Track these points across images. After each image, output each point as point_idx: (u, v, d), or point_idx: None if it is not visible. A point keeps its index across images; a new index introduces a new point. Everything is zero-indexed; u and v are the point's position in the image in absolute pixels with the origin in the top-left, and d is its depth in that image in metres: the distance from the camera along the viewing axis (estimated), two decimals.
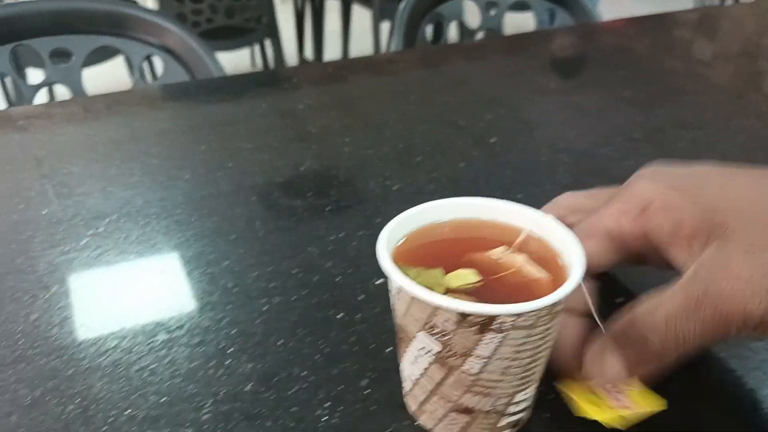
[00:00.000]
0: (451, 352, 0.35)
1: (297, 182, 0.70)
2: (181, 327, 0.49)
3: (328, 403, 0.43)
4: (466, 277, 0.37)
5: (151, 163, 0.74)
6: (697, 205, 0.37)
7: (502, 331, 0.33)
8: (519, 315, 0.33)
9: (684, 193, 0.38)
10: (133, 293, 0.53)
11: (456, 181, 0.70)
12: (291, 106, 0.90)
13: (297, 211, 0.65)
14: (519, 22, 1.70)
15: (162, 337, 0.48)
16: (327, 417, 0.42)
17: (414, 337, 0.36)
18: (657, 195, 0.39)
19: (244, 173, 0.72)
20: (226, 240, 0.60)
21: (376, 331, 0.48)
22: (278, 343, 0.48)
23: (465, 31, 1.45)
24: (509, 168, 0.73)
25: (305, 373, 0.45)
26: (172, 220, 0.63)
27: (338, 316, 0.50)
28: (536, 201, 0.66)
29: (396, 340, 0.40)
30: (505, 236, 0.41)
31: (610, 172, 0.71)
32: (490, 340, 0.34)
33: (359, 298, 0.52)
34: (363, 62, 1.22)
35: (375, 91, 0.97)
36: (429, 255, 0.40)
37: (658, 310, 0.36)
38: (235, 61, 3.21)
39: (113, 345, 0.48)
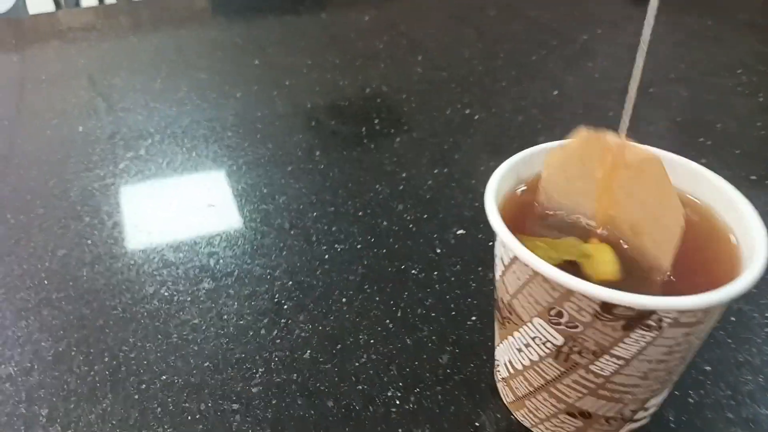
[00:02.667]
0: (577, 348, 0.26)
1: (363, 106, 0.61)
2: (229, 274, 0.42)
3: (401, 383, 0.35)
4: (605, 258, 0.28)
5: (199, 78, 0.66)
6: None
7: (656, 329, 0.25)
8: (685, 311, 0.24)
9: None
10: (176, 230, 0.46)
11: (549, 112, 0.60)
12: (355, 18, 0.80)
13: (363, 140, 0.56)
14: None
15: (207, 285, 0.41)
16: (399, 400, 0.34)
17: (526, 322, 0.28)
18: None
19: (303, 93, 0.63)
20: (282, 171, 0.52)
21: (459, 294, 0.40)
22: (342, 301, 0.40)
23: None
24: (611, 98, 0.62)
25: (374, 341, 0.37)
26: (222, 144, 0.55)
27: (413, 272, 0.42)
28: (649, 142, 0.56)
29: (494, 315, 0.32)
30: None
31: (736, 110, 0.59)
32: (638, 339, 0.25)
33: (437, 251, 0.44)
34: None
35: (448, 2, 0.86)
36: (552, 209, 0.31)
37: None
38: None
39: (150, 292, 0.41)
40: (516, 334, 0.29)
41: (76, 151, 0.55)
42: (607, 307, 0.24)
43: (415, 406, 0.34)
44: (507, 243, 0.26)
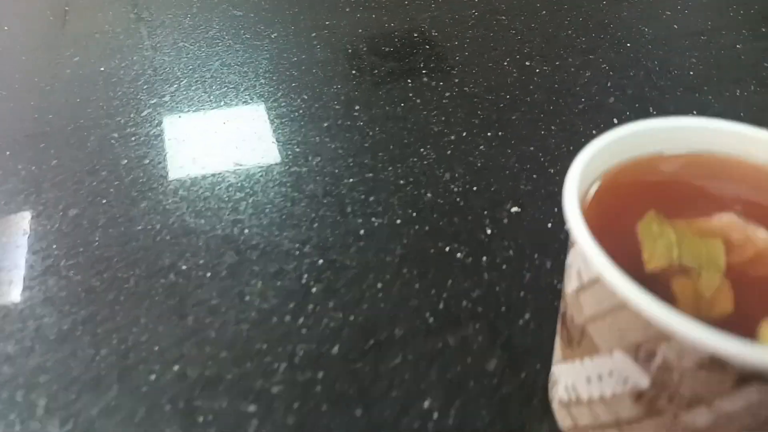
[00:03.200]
0: (666, 394, 0.21)
1: (410, 53, 0.55)
2: (254, 247, 0.38)
3: (441, 391, 0.31)
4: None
5: (233, 15, 0.60)
6: None
7: None
8: None
9: None
10: (198, 192, 0.42)
11: (621, 67, 0.52)
12: None
13: (408, 93, 0.50)
14: None
15: (229, 258, 0.37)
16: (438, 413, 0.30)
17: (604, 353, 0.23)
18: None
19: (345, 36, 0.57)
20: (317, 127, 0.46)
21: (510, 286, 0.35)
22: (377, 286, 0.35)
23: None
24: (694, 54, 0.54)
25: (411, 337, 0.33)
26: (253, 93, 0.50)
27: (458, 255, 0.37)
28: (734, 109, 0.49)
29: (557, 326, 0.27)
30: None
31: None
32: (747, 394, 0.20)
33: (487, 232, 0.38)
34: None
35: None
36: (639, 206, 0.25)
37: None
38: None
39: (167, 263, 0.37)
40: (587, 361, 0.24)
41: (96, 94, 0.50)
42: (717, 360, 0.19)
43: (456, 421, 0.29)
44: (591, 260, 0.21)
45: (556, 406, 0.29)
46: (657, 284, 0.22)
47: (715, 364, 0.19)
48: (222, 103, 0.49)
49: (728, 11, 0.61)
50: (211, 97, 0.50)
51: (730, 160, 0.27)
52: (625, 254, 0.24)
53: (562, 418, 0.28)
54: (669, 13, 0.60)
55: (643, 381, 0.22)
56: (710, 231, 0.25)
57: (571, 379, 0.26)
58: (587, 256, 0.21)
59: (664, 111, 0.48)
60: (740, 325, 0.21)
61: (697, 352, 0.19)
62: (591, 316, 0.23)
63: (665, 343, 0.20)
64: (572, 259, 0.24)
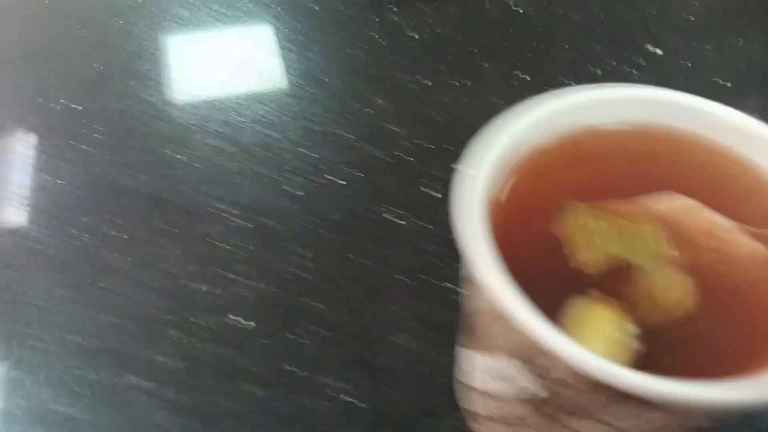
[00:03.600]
0: (559, 406, 0.19)
1: None
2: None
3: (342, 366, 0.28)
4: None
5: None
6: None
7: (656, 409, 0.16)
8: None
9: None
10: (126, 133, 0.38)
11: (613, 10, 0.47)
12: None
13: (372, 33, 0.45)
14: None
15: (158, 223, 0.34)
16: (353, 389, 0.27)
17: (494, 353, 0.20)
18: None
19: None
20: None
21: (454, 257, 0.32)
22: (307, 255, 0.32)
23: None
24: (706, 8, 0.49)
25: (331, 309, 0.30)
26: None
27: (402, 223, 0.34)
28: (737, 62, 0.44)
29: (460, 318, 0.24)
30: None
31: None
32: (630, 410, 0.17)
33: (437, 197, 0.35)
34: None
35: None
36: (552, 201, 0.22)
37: None
38: None
39: (87, 222, 0.34)
40: (482, 357, 0.21)
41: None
42: (598, 384, 0.16)
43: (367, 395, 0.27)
44: (469, 257, 0.18)
45: (460, 390, 0.26)
46: (600, 287, 0.19)
47: (602, 388, 0.16)
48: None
49: None
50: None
51: (680, 137, 0.23)
52: (550, 252, 0.20)
53: (463, 400, 0.26)
54: None
55: (538, 391, 0.19)
56: (658, 217, 0.21)
57: (471, 364, 0.23)
58: (468, 257, 0.18)
59: (653, 62, 0.43)
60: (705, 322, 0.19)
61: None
62: (475, 312, 0.20)
63: (542, 357, 0.17)
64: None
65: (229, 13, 0.46)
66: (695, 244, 0.21)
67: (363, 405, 0.27)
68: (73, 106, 0.40)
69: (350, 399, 0.28)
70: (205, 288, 0.31)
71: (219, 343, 0.29)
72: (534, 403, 0.20)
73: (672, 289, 0.20)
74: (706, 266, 0.21)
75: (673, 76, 0.43)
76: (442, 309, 0.30)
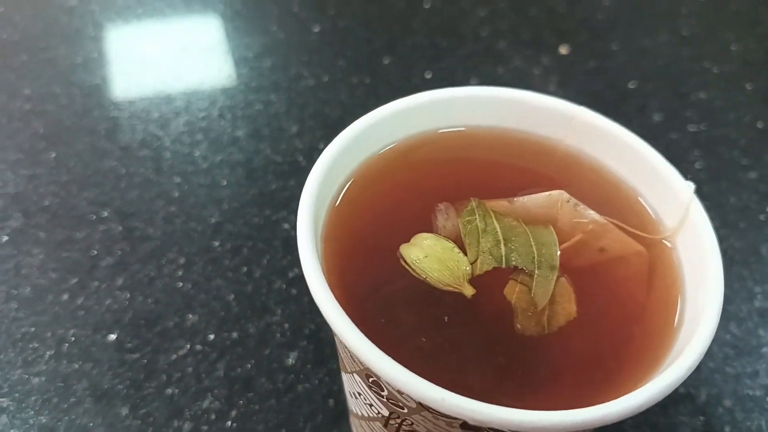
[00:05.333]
0: (400, 424, 0.18)
1: None
2: (45, 209, 0.33)
3: (224, 390, 0.27)
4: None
5: None
6: None
7: None
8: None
9: None
10: None
11: (522, 5, 0.46)
12: None
13: (271, 26, 0.44)
14: None
15: (14, 222, 0.32)
16: (216, 414, 0.26)
17: (350, 372, 0.19)
18: None
19: None
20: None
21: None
22: (179, 261, 0.31)
23: None
24: (615, 5, 0.48)
25: (205, 323, 0.29)
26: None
27: (284, 226, 0.32)
28: (641, 60, 0.44)
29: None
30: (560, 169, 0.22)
31: (763, 26, 0.46)
32: None
33: None
34: None
35: None
36: (413, 197, 0.21)
37: None
38: None
39: None
40: (347, 376, 0.20)
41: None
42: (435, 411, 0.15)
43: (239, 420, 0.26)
44: (311, 287, 0.17)
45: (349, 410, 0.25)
46: (486, 290, 0.19)
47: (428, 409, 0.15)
48: None
49: None
50: None
51: (533, 145, 0.22)
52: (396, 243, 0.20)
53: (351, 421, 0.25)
54: None
55: (382, 410, 0.18)
56: (537, 214, 0.21)
57: (347, 387, 0.22)
58: (308, 282, 0.17)
59: (556, 60, 0.42)
60: (583, 339, 0.18)
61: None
62: (335, 340, 0.19)
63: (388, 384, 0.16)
64: None
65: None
66: (582, 242, 0.21)
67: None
68: None
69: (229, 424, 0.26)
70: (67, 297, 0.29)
71: (86, 360, 0.27)
72: (382, 421, 0.19)
73: (560, 300, 0.19)
74: (588, 267, 0.20)
75: (576, 77, 0.42)
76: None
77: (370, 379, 0.18)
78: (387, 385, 0.17)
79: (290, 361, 0.28)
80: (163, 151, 0.35)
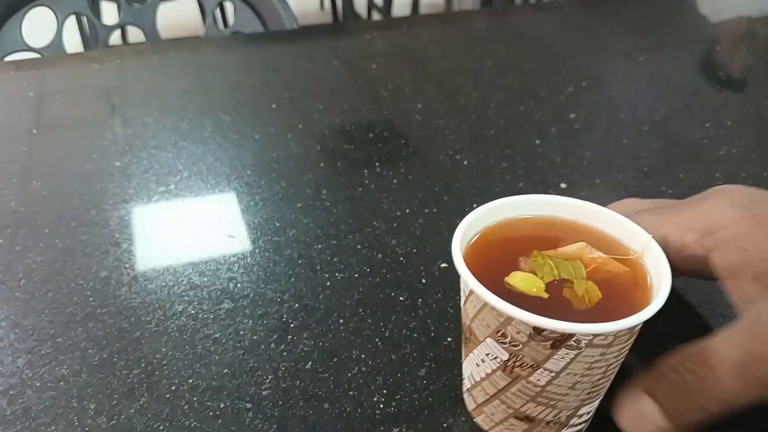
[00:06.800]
0: (519, 363, 0.34)
1: (366, 149, 0.69)
2: (246, 296, 0.50)
3: (386, 390, 0.42)
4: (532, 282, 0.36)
5: (222, 120, 0.74)
6: None
7: (576, 348, 0.32)
8: (597, 335, 0.31)
9: (759, 225, 0.34)
10: (200, 257, 0.54)
11: (531, 159, 0.67)
12: (363, 66, 0.88)
13: (364, 181, 0.64)
14: None
15: (227, 305, 0.49)
16: (383, 405, 0.41)
17: (482, 341, 0.35)
18: (730, 221, 0.35)
19: (314, 136, 0.71)
20: (293, 207, 0.59)
21: (438, 318, 0.47)
22: (339, 322, 0.47)
23: None
24: (589, 149, 0.69)
25: (365, 356, 0.45)
26: (242, 181, 0.63)
27: (401, 299, 0.49)
28: (616, 190, 0.63)
29: (461, 337, 0.39)
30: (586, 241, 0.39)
31: (702, 162, 0.67)
32: (563, 355, 0.32)
33: (423, 281, 0.51)
34: (438, 19, 1.17)
35: (450, 53, 0.94)
36: (505, 252, 0.38)
37: (707, 357, 0.32)
38: (304, 3, 3.18)
39: (180, 309, 0.48)
40: (475, 351, 0.36)
41: (113, 184, 0.63)
42: (538, 330, 0.31)
43: (395, 411, 0.41)
44: (464, 277, 0.34)
45: (465, 395, 0.41)
46: (552, 292, 0.35)
47: (537, 335, 0.32)
48: (217, 189, 0.62)
49: (620, 112, 0.77)
50: (208, 185, 0.63)
51: (567, 223, 0.41)
52: (501, 276, 0.36)
53: (468, 402, 0.40)
54: (573, 115, 0.76)
55: (504, 355, 0.34)
56: (571, 255, 0.38)
57: (469, 369, 0.38)
58: (463, 278, 0.34)
59: (560, 191, 0.62)
60: (607, 306, 0.34)
61: (525, 327, 0.32)
62: (472, 318, 0.35)
63: (509, 326, 0.32)
64: (462, 285, 0.36)
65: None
66: (596, 268, 0.38)
67: None
68: None
69: None
70: None
71: None
72: (503, 366, 0.35)
73: (591, 292, 0.36)
74: (602, 279, 0.37)
75: None
76: (447, 353, 0.45)
77: (499, 333, 0.34)
78: (512, 329, 0.33)
79: (421, 373, 0.43)
80: (314, 259, 0.53)
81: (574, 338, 0.31)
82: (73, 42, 1.97)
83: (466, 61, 0.91)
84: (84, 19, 1.95)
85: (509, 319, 0.32)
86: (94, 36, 1.18)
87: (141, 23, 1.14)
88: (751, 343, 0.31)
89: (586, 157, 0.68)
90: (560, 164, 0.67)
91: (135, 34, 1.20)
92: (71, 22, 2.11)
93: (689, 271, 0.38)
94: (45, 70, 0.87)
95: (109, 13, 1.22)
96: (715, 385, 0.32)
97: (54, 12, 1.06)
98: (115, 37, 1.15)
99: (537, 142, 0.70)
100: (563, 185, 0.63)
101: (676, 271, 0.37)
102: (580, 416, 0.37)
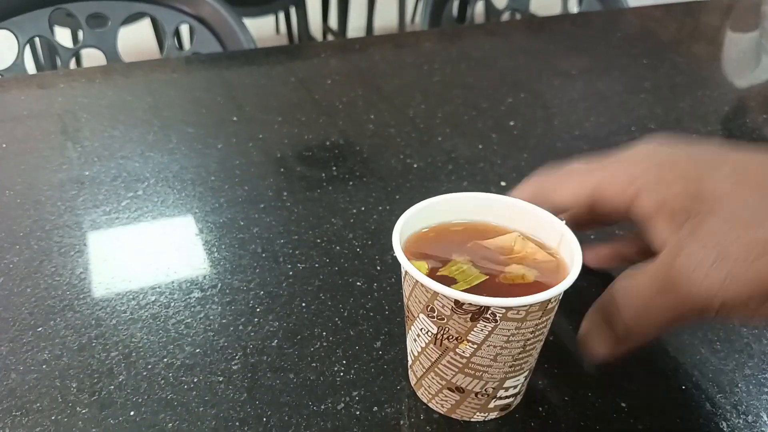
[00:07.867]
0: (446, 335, 0.38)
1: (323, 156, 0.74)
2: (214, 287, 0.54)
3: (345, 361, 0.47)
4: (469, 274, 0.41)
5: (186, 132, 0.78)
6: (684, 184, 0.36)
7: (493, 321, 0.35)
8: (510, 308, 0.35)
9: (674, 171, 0.37)
10: (170, 253, 0.58)
11: (473, 162, 0.73)
12: (319, 83, 0.94)
13: (322, 183, 0.69)
14: (546, 3, 1.71)
15: (197, 294, 0.53)
16: (343, 373, 0.46)
17: (416, 317, 0.40)
18: (648, 170, 0.39)
19: (274, 145, 0.76)
20: (256, 208, 0.64)
21: (391, 300, 0.53)
22: (302, 305, 0.52)
23: (491, 10, 1.46)
24: (526, 152, 0.76)
25: (325, 333, 0.49)
26: (207, 186, 0.67)
27: (358, 284, 0.54)
28: None
29: (404, 318, 0.44)
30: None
31: None
32: (482, 328, 0.36)
33: (378, 269, 0.56)
34: (389, 40, 1.24)
35: (400, 70, 1.00)
36: (441, 242, 0.43)
37: (629, 289, 0.37)
38: (260, 27, 3.23)
39: (152, 300, 0.52)
40: (413, 327, 0.41)
41: (84, 191, 0.66)
42: (458, 303, 0.36)
43: (354, 377, 0.46)
44: (400, 260, 0.39)
45: (409, 372, 0.45)
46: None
47: (458, 308, 0.36)
48: (183, 193, 0.66)
49: (555, 119, 0.84)
50: (174, 190, 0.67)
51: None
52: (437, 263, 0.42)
53: (411, 378, 0.45)
54: (512, 123, 0.83)
55: (434, 329, 0.39)
56: (503, 245, 0.43)
57: (410, 346, 0.43)
58: (400, 262, 0.39)
59: (500, 189, 0.68)
60: (533, 289, 0.39)
61: (447, 301, 0.36)
62: (408, 296, 0.40)
63: (435, 301, 0.37)
64: (402, 270, 0.41)
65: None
66: (524, 257, 0.43)
67: None
68: None
69: None
70: None
71: None
72: (434, 340, 0.39)
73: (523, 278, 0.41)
74: (535, 265, 0.42)
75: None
76: (399, 328, 0.50)
77: (428, 308, 0.38)
78: (438, 303, 0.37)
79: (377, 345, 0.48)
80: (276, 253, 0.58)
81: (490, 311, 0.35)
82: (33, 65, 1.98)
83: (414, 77, 0.97)
84: (43, 42, 1.96)
85: (435, 294, 0.37)
86: (53, 59, 1.21)
87: (102, 46, 1.17)
88: (668, 269, 0.35)
89: (524, 159, 0.74)
90: (500, 166, 0.73)
91: (95, 59, 1.24)
92: (31, 46, 2.12)
93: (617, 220, 0.43)
94: (11, 90, 0.90)
95: (65, 39, 1.24)
96: (643, 312, 0.37)
97: (15, 35, 1.09)
98: (72, 63, 1.18)
99: (479, 147, 0.77)
100: (503, 183, 0.69)
101: (595, 224, 0.42)
102: (506, 389, 0.41)
